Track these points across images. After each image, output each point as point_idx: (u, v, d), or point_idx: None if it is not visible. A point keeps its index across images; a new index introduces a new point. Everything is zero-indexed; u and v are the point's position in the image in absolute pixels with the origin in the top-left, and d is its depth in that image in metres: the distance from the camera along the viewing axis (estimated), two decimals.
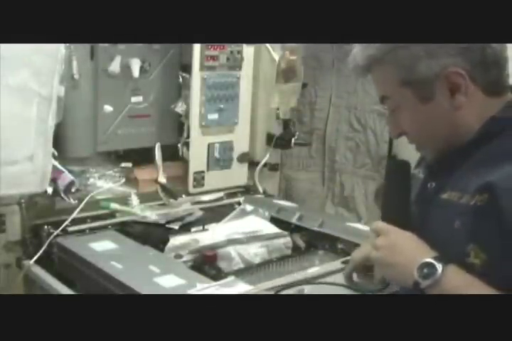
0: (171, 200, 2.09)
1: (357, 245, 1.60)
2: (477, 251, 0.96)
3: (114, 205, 1.95)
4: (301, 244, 1.84)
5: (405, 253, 1.01)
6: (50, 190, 1.77)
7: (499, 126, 1.02)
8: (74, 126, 1.95)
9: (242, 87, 2.21)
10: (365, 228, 1.66)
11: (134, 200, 2.02)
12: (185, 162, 2.20)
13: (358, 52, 1.08)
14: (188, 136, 2.16)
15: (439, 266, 0.96)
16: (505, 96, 1.06)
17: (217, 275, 1.53)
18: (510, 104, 1.05)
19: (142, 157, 2.19)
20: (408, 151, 1.28)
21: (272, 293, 1.38)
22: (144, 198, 2.05)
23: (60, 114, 1.73)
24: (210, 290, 1.39)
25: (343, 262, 1.57)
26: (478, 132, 1.03)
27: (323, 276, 1.51)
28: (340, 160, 2.51)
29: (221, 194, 2.25)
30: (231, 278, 1.48)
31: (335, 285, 1.40)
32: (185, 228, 1.88)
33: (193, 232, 1.83)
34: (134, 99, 2.08)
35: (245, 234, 1.73)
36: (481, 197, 0.96)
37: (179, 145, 2.21)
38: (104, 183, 2.04)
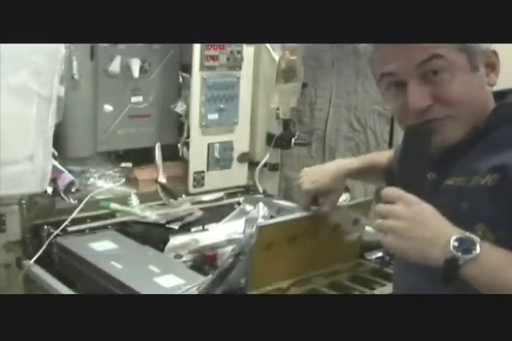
0: (171, 200, 2.09)
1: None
2: (485, 231, 0.94)
3: (114, 205, 1.95)
4: None
5: (433, 227, 0.93)
6: (50, 190, 1.77)
7: (508, 114, 1.04)
8: (74, 126, 1.95)
9: (242, 87, 2.21)
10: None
11: (134, 200, 2.02)
12: (185, 162, 2.20)
13: None
14: (188, 136, 2.16)
15: (478, 240, 0.89)
16: None
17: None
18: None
19: (142, 157, 2.19)
20: None
21: None
22: (144, 198, 2.05)
23: (60, 114, 1.73)
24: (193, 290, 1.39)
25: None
26: (488, 119, 1.04)
27: None
28: None
29: (221, 194, 2.25)
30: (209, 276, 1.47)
31: None
32: (185, 228, 1.88)
33: (193, 232, 1.83)
34: (134, 99, 2.08)
35: None
36: (492, 177, 0.95)
37: (179, 145, 2.21)
38: (104, 183, 2.04)
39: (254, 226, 1.37)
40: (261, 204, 1.66)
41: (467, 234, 0.90)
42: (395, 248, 0.96)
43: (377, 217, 0.99)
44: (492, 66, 1.07)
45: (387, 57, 1.05)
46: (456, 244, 0.89)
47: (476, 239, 0.89)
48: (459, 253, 0.89)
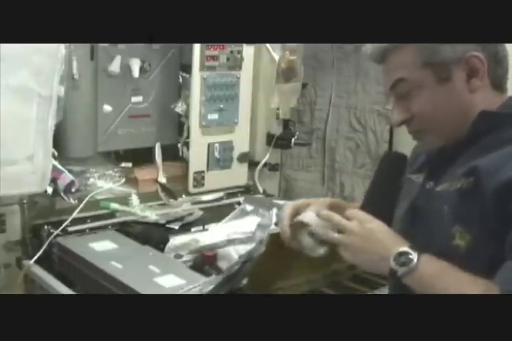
0: (171, 200, 2.09)
1: None
2: (462, 232, 1.00)
3: (114, 205, 1.95)
4: None
5: (381, 242, 1.05)
6: (50, 190, 1.77)
7: (490, 122, 1.06)
8: (74, 126, 1.95)
9: (242, 87, 2.21)
10: None
11: (134, 200, 2.02)
12: (185, 162, 2.20)
13: None
14: (188, 136, 2.16)
15: (415, 254, 1.00)
16: (504, 95, 1.11)
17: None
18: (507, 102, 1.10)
19: (142, 157, 2.19)
20: (408, 151, 1.29)
21: None
22: (143, 198, 2.05)
23: (60, 114, 1.73)
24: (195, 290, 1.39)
25: None
26: (469, 129, 1.07)
27: None
28: (341, 160, 2.51)
29: (221, 194, 2.25)
30: (212, 276, 1.48)
31: None
32: (185, 228, 1.88)
33: (193, 232, 1.83)
34: (134, 99, 2.08)
35: (245, 234, 1.72)
36: (467, 181, 1.01)
37: (179, 145, 2.21)
38: (104, 183, 2.04)
39: (266, 233, 1.37)
40: (274, 211, 1.66)
41: (407, 248, 1.01)
42: (352, 262, 1.09)
43: (332, 229, 1.10)
44: (474, 71, 1.05)
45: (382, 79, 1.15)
46: (396, 257, 1.01)
47: (414, 253, 1.00)
48: (398, 267, 1.00)
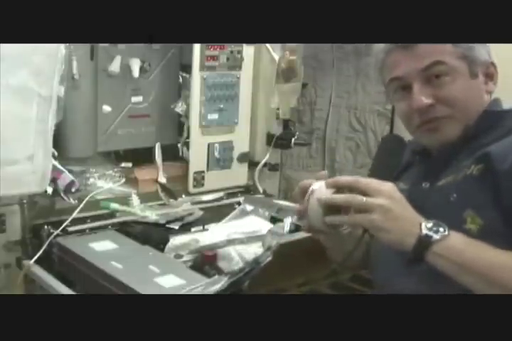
0: (171, 200, 2.09)
1: None
2: (473, 217, 1.02)
3: (114, 205, 1.95)
4: None
5: (410, 214, 1.00)
6: (50, 190, 1.77)
7: (491, 119, 1.12)
8: (74, 126, 1.94)
9: (242, 87, 2.21)
10: None
11: (134, 200, 2.02)
12: (185, 162, 2.20)
13: None
14: (188, 136, 2.16)
15: (443, 225, 0.98)
16: None
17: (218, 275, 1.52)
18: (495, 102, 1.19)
19: (142, 157, 2.19)
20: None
21: None
22: (144, 198, 2.05)
23: (60, 114, 1.73)
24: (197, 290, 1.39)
25: None
26: (474, 125, 1.12)
27: None
28: (341, 160, 2.51)
29: (221, 194, 2.25)
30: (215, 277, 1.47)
31: None
32: (185, 228, 1.88)
33: (193, 232, 1.83)
34: (134, 99, 2.08)
35: (245, 234, 1.73)
36: (477, 167, 1.04)
37: (179, 145, 2.21)
38: (104, 183, 2.04)
39: (275, 242, 1.38)
40: (289, 220, 1.66)
41: (432, 222, 0.98)
42: (381, 236, 1.00)
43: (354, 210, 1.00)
44: (490, 76, 1.17)
45: (395, 64, 1.14)
46: (429, 225, 0.98)
47: (444, 225, 0.98)
48: (432, 233, 0.97)
